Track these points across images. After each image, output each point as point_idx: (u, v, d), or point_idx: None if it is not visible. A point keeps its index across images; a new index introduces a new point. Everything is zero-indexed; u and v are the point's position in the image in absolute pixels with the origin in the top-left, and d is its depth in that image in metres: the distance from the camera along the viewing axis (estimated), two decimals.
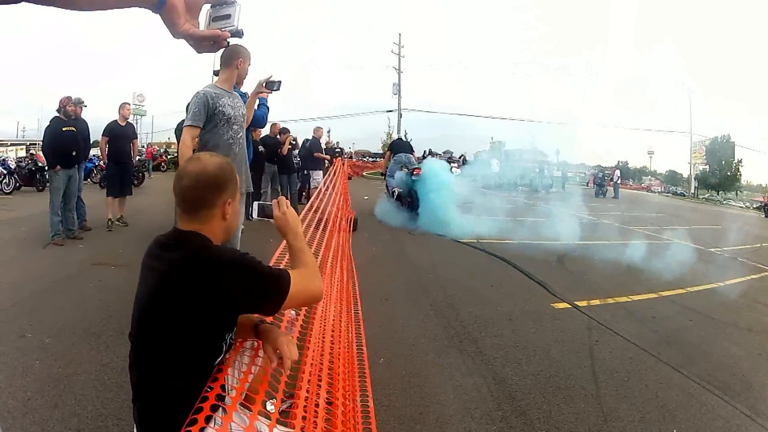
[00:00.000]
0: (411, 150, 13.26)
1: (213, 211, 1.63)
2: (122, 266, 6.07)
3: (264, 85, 4.18)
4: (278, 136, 11.02)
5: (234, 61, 3.76)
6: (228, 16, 1.30)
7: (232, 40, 1.35)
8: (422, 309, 5.23)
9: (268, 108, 4.95)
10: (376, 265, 7.08)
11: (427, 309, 5.24)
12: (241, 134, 3.86)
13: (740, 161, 47.35)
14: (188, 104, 7.12)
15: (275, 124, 11.41)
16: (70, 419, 2.82)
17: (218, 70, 3.99)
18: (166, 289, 1.50)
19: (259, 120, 4.86)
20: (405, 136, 32.74)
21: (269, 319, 1.83)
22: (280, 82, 4.19)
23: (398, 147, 13.29)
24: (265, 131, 10.26)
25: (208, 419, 1.30)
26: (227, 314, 1.57)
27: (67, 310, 4.50)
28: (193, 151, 3.61)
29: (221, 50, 1.40)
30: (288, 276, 1.63)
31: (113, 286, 5.26)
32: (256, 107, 4.54)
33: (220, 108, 3.64)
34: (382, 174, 14.70)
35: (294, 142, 11.86)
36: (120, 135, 8.56)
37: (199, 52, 1.33)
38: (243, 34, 1.34)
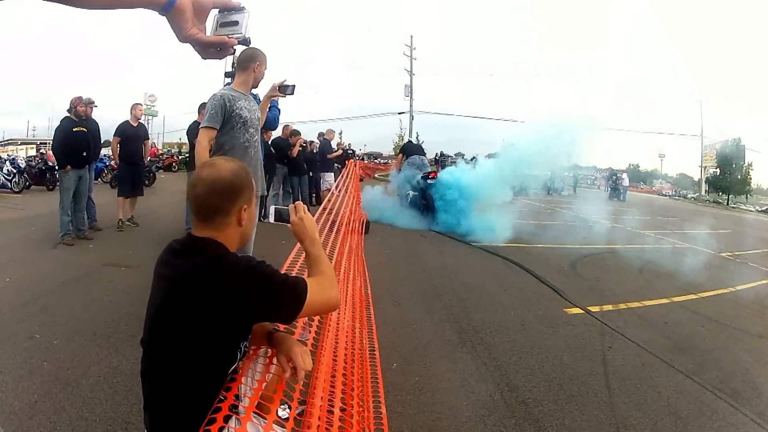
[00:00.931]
0: (423, 152, 13.38)
1: (229, 219, 1.59)
2: (133, 267, 6.06)
3: (278, 88, 4.17)
4: (289, 138, 11.06)
5: (251, 64, 3.75)
6: (236, 23, 1.27)
7: (239, 48, 1.32)
8: (435, 313, 5.21)
9: (279, 110, 4.94)
10: (388, 268, 7.06)
11: (439, 313, 5.21)
12: (256, 137, 3.86)
13: (750, 164, 47.03)
14: (201, 105, 7.16)
15: (287, 125, 11.47)
16: (78, 423, 2.80)
17: (229, 72, 3.97)
18: (180, 297, 1.47)
19: (270, 122, 4.85)
20: (417, 138, 32.84)
21: (282, 327, 1.80)
22: (294, 86, 4.18)
23: (411, 149, 13.43)
24: (276, 133, 10.28)
25: (221, 430, 1.27)
26: (242, 322, 1.54)
27: (77, 312, 4.49)
28: (210, 152, 3.60)
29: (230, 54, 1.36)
30: (305, 284, 1.59)
31: (123, 287, 5.24)
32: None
33: (237, 111, 3.63)
34: None
35: (304, 145, 11.87)
36: (132, 135, 8.58)
37: (204, 58, 1.30)
38: (250, 42, 1.31)
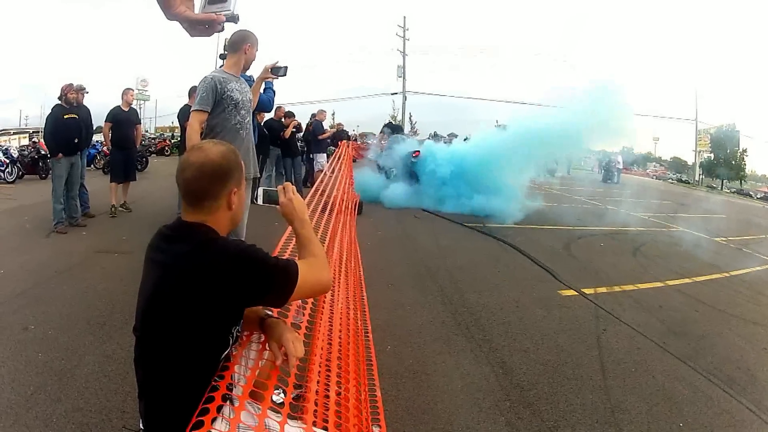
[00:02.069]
0: (402, 131, 15.65)
1: (218, 202, 1.57)
2: (126, 253, 6.03)
3: (270, 70, 4.13)
4: (283, 120, 11.04)
5: (242, 45, 3.70)
6: (224, 0, 1.25)
7: (228, 25, 1.30)
8: (429, 295, 5.22)
9: (274, 92, 4.90)
10: (381, 249, 7.09)
11: (433, 295, 5.23)
12: (248, 119, 3.82)
13: (745, 150, 47.12)
14: (191, 89, 7.10)
15: (280, 107, 11.41)
16: (74, 414, 2.79)
17: (223, 54, 3.92)
18: (172, 283, 1.44)
19: (265, 104, 4.81)
20: (410, 119, 33.23)
21: (275, 311, 1.78)
22: (286, 67, 4.14)
23: (392, 129, 15.21)
24: (269, 114, 10.25)
25: (214, 420, 1.25)
26: (234, 307, 1.51)
27: (71, 301, 4.46)
28: (201, 135, 3.57)
29: (222, 34, 1.35)
30: (296, 267, 1.56)
31: (117, 274, 5.22)
32: (261, 91, 4.48)
33: (228, 93, 3.59)
34: None
35: (298, 126, 11.84)
36: (123, 121, 8.49)
37: (192, 36, 1.28)
38: (239, 18, 1.29)
